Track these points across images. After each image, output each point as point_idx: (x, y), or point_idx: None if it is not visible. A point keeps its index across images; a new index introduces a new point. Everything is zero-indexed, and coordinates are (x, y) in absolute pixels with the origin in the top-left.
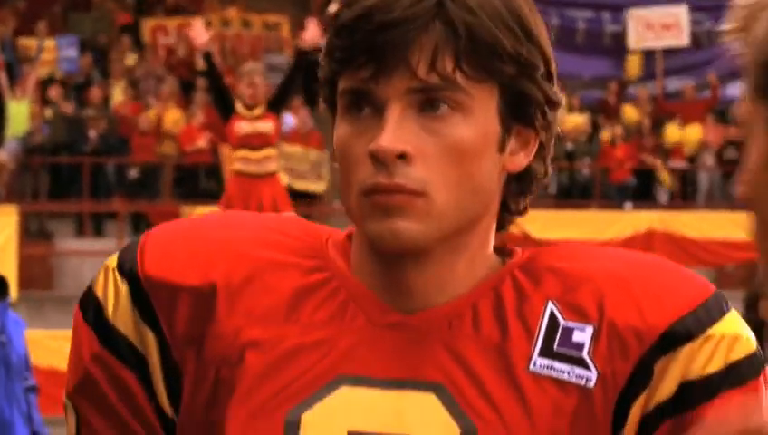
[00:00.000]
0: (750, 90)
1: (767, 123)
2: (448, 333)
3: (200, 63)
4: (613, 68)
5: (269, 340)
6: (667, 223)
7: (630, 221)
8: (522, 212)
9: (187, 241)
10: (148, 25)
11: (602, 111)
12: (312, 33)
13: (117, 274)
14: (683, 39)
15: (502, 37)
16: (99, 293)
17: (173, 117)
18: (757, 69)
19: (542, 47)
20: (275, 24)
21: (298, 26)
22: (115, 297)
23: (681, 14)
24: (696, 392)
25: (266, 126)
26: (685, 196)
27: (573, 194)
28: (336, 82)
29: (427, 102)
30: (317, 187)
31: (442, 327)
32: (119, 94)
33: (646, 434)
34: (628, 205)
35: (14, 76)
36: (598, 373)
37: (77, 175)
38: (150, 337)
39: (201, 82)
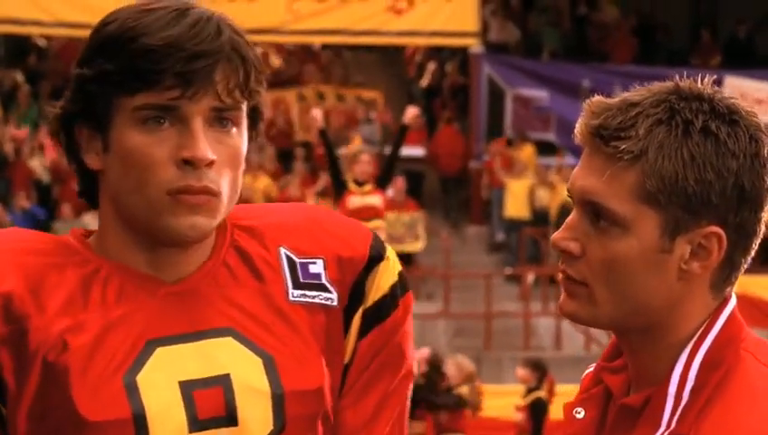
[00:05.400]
0: (643, 197)
1: (653, 225)
2: (216, 288)
3: (299, 135)
4: None
5: (80, 325)
6: (744, 286)
7: None
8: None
9: None
10: None
11: None
12: (412, 113)
13: None
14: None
15: (259, 68)
16: None
17: (263, 183)
18: (667, 200)
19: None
20: (370, 100)
21: (390, 100)
22: None
23: None
24: (388, 301)
25: (375, 199)
26: (764, 260)
27: None
28: (113, 98)
29: (218, 119)
30: (413, 247)
31: (210, 285)
32: None
33: (359, 337)
34: None
35: None
36: (336, 294)
37: None
38: None
39: (299, 152)
